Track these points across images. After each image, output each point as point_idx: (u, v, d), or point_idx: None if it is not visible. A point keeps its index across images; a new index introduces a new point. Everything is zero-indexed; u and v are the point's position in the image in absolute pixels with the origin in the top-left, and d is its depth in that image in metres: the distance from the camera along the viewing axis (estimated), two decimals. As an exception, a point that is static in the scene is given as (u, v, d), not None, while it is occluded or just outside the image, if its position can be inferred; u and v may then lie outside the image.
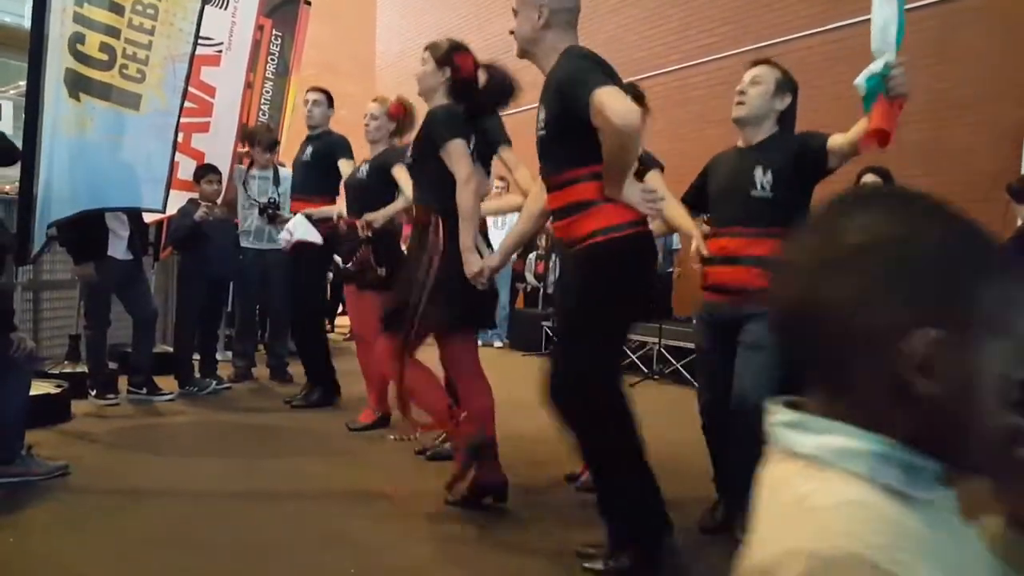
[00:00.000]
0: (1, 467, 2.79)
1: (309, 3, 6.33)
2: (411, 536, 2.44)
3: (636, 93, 2.57)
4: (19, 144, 3.64)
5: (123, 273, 4.20)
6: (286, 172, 5.31)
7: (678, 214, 2.63)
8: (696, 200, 2.67)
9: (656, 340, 5.87)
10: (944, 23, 5.83)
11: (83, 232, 3.96)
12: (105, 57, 3.90)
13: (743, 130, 2.48)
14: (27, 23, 3.91)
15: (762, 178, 2.38)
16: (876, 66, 2.12)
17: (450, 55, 2.79)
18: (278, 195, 5.04)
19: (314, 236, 4.20)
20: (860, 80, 2.14)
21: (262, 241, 5.06)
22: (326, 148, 4.34)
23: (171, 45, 4.09)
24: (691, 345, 5.03)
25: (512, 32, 2.26)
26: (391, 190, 3.66)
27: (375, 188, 3.73)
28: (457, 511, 2.68)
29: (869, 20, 2.12)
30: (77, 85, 3.81)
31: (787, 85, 2.46)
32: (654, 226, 2.68)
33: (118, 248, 4.17)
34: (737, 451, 2.27)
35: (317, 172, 4.37)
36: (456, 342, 2.80)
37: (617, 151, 1.97)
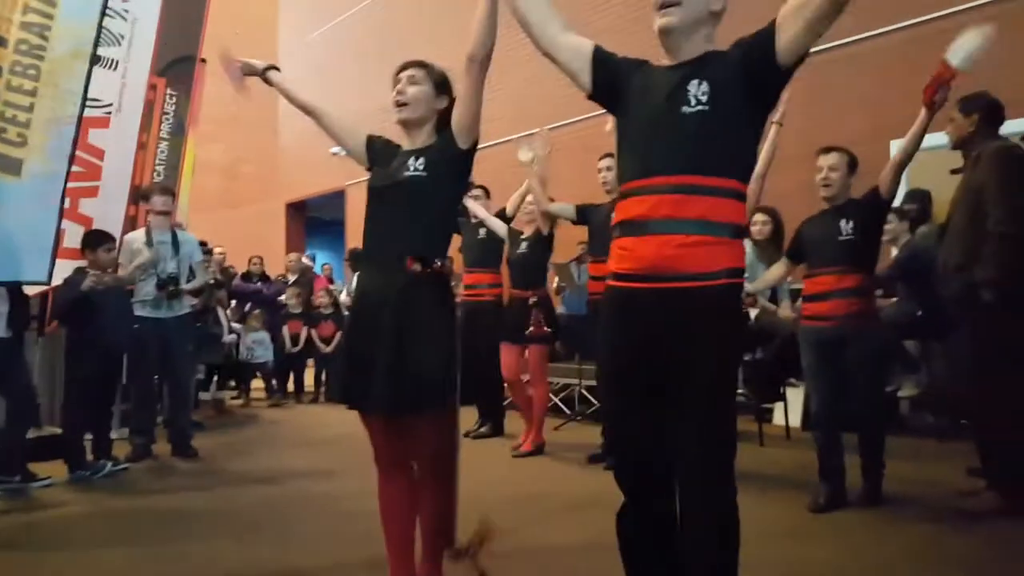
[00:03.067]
0: None
1: (204, 60, 6.16)
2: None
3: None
4: None
5: (1, 352, 3.83)
6: (185, 236, 5.09)
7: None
8: (796, 254, 3.54)
9: (577, 382, 5.94)
10: (816, 70, 6.27)
11: (-44, 309, 3.62)
12: (-20, 122, 3.63)
13: (830, 201, 3.39)
14: None
15: (846, 226, 3.26)
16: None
17: (448, 84, 2.27)
18: (176, 267, 4.80)
19: None
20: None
21: (159, 309, 4.78)
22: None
23: (56, 107, 3.86)
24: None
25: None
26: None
27: (536, 262, 4.82)
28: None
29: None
30: (-52, 152, 3.53)
31: (855, 163, 3.39)
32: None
33: (-4, 325, 3.81)
34: (864, 437, 3.32)
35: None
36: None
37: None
